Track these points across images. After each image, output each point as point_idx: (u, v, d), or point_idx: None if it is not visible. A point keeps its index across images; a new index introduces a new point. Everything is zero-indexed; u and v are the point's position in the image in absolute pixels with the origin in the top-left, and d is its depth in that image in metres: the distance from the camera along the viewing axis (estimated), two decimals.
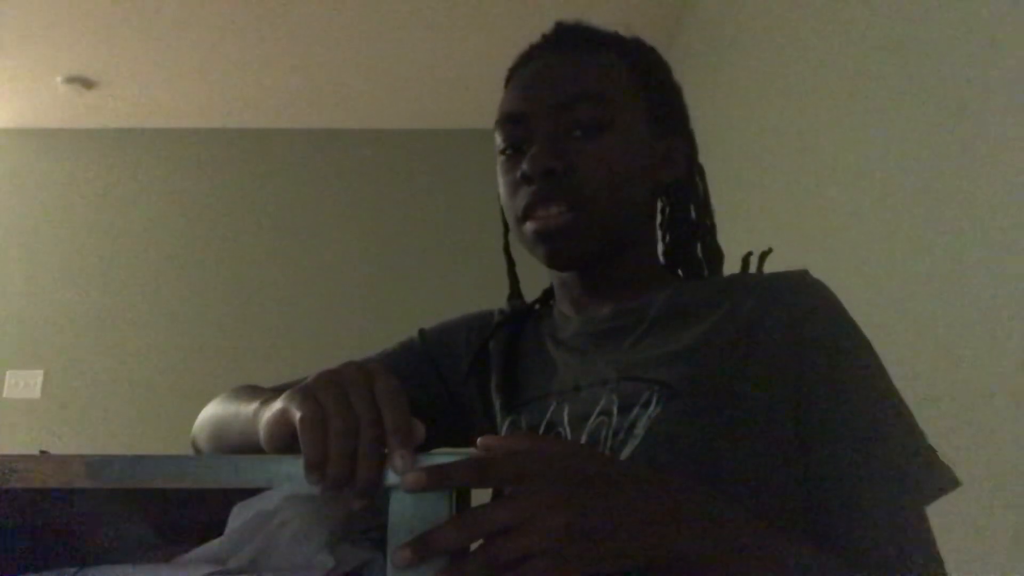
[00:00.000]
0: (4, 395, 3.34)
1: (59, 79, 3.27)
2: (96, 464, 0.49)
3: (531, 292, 0.91)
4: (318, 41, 3.08)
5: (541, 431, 0.74)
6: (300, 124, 3.68)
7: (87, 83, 3.31)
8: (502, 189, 0.79)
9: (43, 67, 3.20)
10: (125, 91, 3.40)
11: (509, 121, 0.78)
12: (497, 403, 0.81)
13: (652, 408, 0.67)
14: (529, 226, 0.75)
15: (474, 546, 0.47)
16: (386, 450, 0.48)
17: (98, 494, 0.51)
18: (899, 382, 0.67)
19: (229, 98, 3.47)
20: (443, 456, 0.48)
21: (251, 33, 3.01)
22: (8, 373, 3.37)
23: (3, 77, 3.27)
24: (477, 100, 3.32)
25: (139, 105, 3.50)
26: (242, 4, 2.84)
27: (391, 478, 0.48)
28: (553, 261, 0.77)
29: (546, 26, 0.84)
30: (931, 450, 0.64)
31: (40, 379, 3.36)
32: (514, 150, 0.78)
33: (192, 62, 3.20)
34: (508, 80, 0.83)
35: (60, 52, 3.11)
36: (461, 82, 3.33)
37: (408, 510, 0.47)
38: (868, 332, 0.69)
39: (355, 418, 0.49)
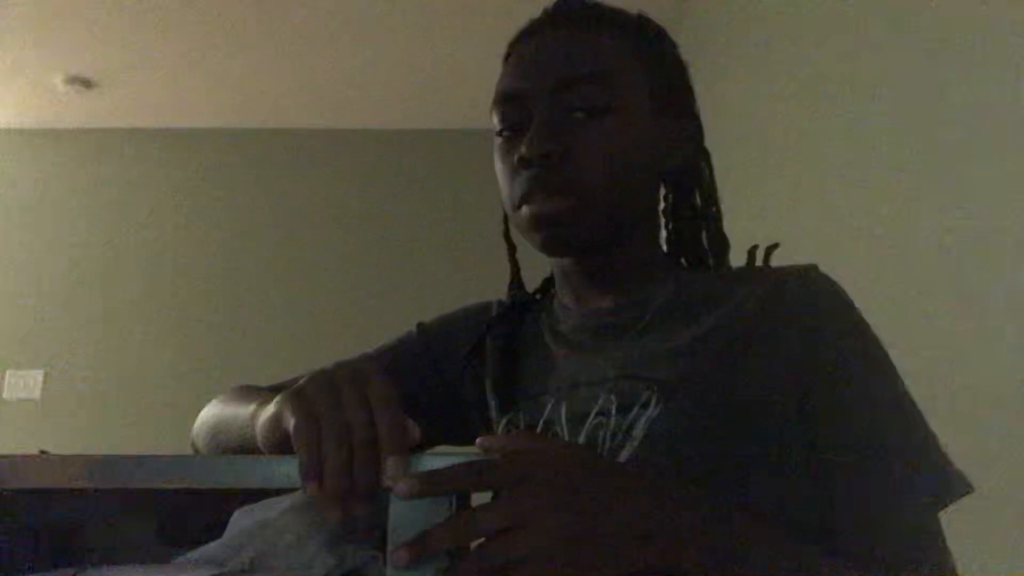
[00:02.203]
0: (4, 395, 3.34)
1: (59, 79, 3.27)
2: (96, 464, 0.49)
3: (533, 280, 0.89)
4: (318, 41, 3.08)
5: (538, 430, 0.73)
6: (300, 124, 3.68)
7: (87, 83, 3.31)
8: (499, 173, 0.76)
9: (43, 67, 3.20)
10: (125, 91, 3.39)
11: (506, 101, 0.74)
12: (493, 402, 0.80)
13: (651, 409, 0.66)
14: (526, 212, 0.72)
15: (474, 545, 0.47)
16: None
17: (98, 494, 0.51)
18: (906, 381, 0.66)
19: (229, 98, 3.47)
20: (440, 458, 0.48)
21: (251, 33, 3.01)
22: (8, 373, 3.37)
23: (3, 77, 3.27)
24: (477, 100, 3.31)
25: (139, 105, 3.50)
26: (242, 5, 2.84)
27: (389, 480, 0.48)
28: (549, 248, 0.74)
29: None
30: (943, 454, 0.63)
31: (40, 379, 3.36)
32: (512, 131, 0.74)
33: (192, 62, 3.20)
34: (506, 57, 0.79)
35: (60, 52, 3.11)
36: (461, 82, 3.32)
37: (408, 511, 0.47)
38: (877, 329, 0.67)
39: (348, 424, 0.48)
